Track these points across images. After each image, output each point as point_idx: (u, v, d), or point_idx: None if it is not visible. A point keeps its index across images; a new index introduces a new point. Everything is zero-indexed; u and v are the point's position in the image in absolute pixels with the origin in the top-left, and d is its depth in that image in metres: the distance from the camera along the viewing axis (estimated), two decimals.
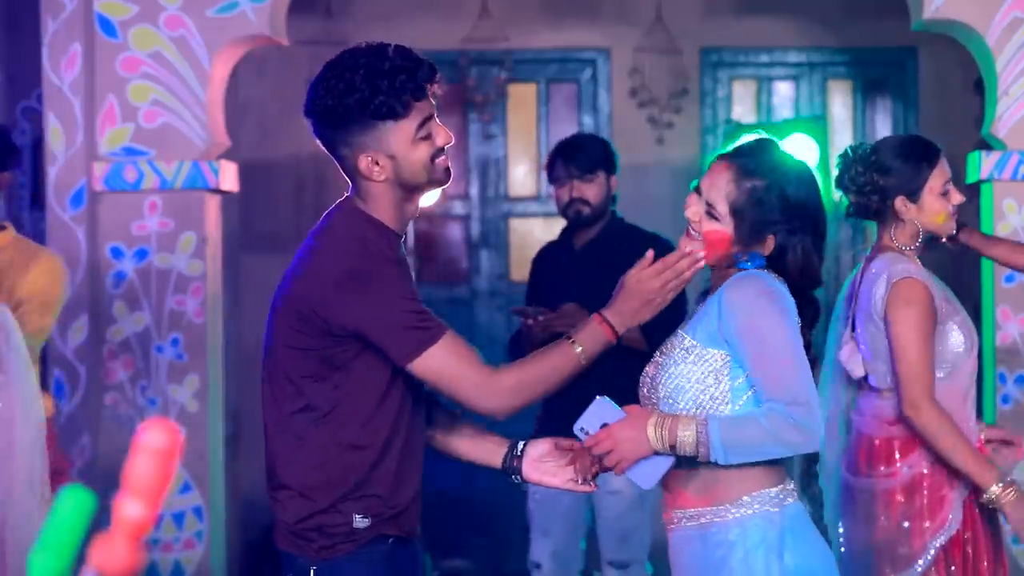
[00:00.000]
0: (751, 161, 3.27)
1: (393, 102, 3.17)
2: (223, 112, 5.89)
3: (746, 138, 3.49)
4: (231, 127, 6.03)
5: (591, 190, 5.48)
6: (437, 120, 3.29)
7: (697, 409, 3.22)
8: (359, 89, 3.17)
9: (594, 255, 5.47)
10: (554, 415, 5.15)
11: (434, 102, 3.28)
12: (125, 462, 1.28)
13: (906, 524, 4.20)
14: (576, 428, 3.28)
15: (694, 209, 3.28)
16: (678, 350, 3.27)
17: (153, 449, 1.26)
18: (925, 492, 4.20)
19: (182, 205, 5.68)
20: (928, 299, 4.13)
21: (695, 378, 3.23)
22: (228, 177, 5.88)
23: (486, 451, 3.52)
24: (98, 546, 1.26)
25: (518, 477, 3.46)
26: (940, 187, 4.24)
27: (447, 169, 3.33)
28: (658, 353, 3.35)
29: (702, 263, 3.25)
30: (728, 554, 3.22)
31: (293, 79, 8.31)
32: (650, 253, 3.25)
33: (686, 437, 3.13)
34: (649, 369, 3.35)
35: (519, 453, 3.45)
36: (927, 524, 4.18)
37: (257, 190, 7.90)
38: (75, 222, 5.60)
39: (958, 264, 7.58)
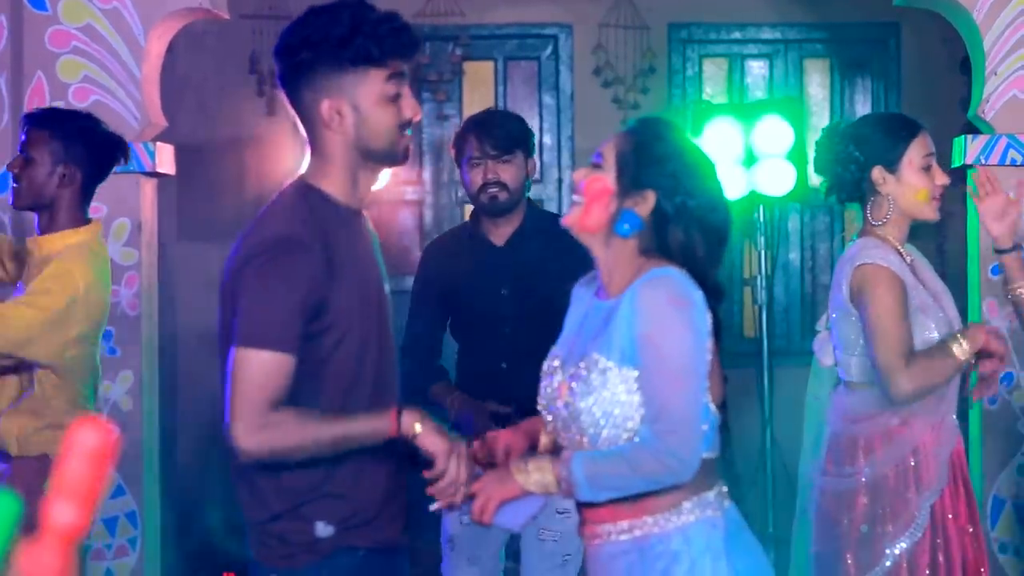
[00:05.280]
0: (650, 124, 3.23)
1: (371, 45, 3.10)
2: (159, 90, 5.70)
3: None
4: (168, 107, 5.83)
5: (508, 172, 4.93)
6: (409, 92, 3.22)
7: (627, 433, 3.08)
8: (341, 24, 3.11)
9: (521, 252, 4.97)
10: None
11: (407, 74, 3.23)
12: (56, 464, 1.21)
13: (865, 528, 4.16)
14: None
15: (582, 171, 3.21)
16: (594, 374, 3.09)
17: (85, 450, 1.21)
18: (888, 495, 4.15)
19: (115, 189, 5.38)
20: (894, 280, 4.07)
21: (620, 401, 3.07)
22: (164, 160, 5.66)
23: None
24: (27, 553, 1.20)
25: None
26: (920, 160, 4.19)
27: (408, 148, 3.26)
28: (567, 378, 3.16)
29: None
30: (672, 565, 3.09)
31: (234, 55, 8.14)
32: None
33: (544, 478, 3.09)
34: (559, 400, 3.17)
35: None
36: (889, 528, 4.13)
37: (195, 174, 7.70)
38: (2, 207, 5.34)
39: (941, 256, 7.38)
